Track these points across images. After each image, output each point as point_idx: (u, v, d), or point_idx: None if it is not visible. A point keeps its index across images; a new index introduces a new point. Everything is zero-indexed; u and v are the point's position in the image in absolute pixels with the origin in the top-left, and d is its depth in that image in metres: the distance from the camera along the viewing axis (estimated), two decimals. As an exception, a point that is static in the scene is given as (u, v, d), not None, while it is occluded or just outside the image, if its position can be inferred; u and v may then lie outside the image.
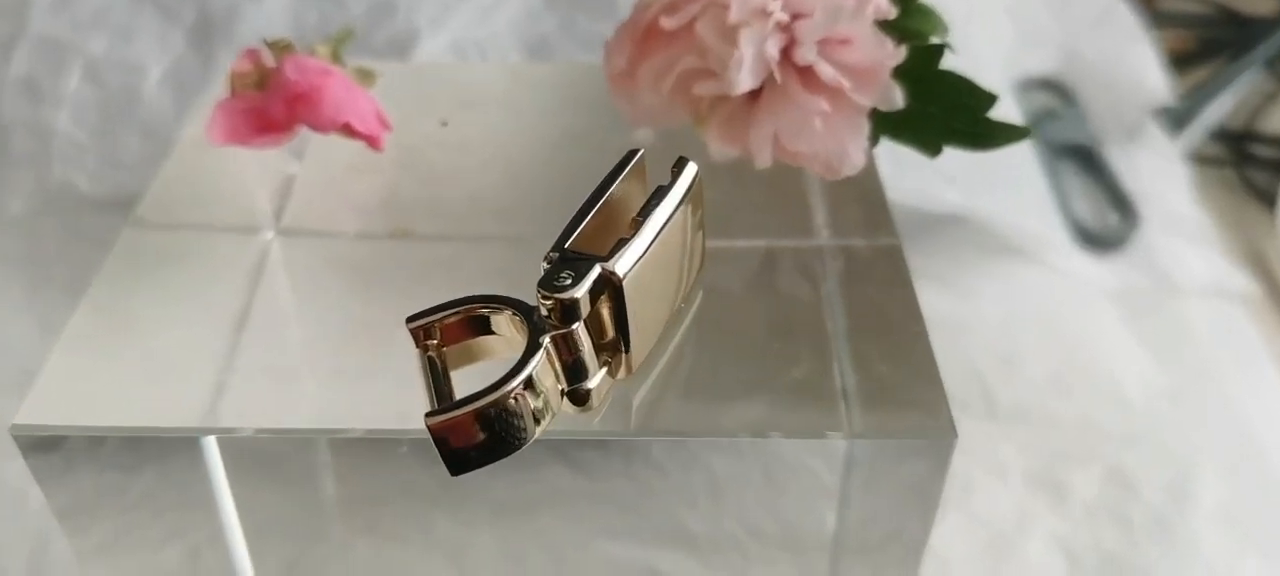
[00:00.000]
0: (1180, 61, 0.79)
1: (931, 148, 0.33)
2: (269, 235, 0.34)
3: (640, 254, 0.25)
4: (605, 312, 0.25)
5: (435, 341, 0.26)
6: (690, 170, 0.27)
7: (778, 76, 0.32)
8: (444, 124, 0.39)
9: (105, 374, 0.29)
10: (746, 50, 0.31)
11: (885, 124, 0.33)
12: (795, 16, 0.32)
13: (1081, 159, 0.61)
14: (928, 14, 0.35)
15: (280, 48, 0.34)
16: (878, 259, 0.34)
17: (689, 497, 0.30)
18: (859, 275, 0.33)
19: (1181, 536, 0.44)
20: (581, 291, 0.24)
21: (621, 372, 0.26)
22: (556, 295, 0.23)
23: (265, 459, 0.30)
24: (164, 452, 0.29)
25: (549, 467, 0.30)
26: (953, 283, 0.52)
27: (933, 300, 0.52)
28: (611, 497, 0.30)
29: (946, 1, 0.60)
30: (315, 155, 0.37)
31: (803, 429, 0.27)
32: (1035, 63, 0.64)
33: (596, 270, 0.24)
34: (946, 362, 0.50)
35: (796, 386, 0.29)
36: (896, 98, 0.32)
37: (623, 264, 0.24)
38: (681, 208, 0.27)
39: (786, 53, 0.32)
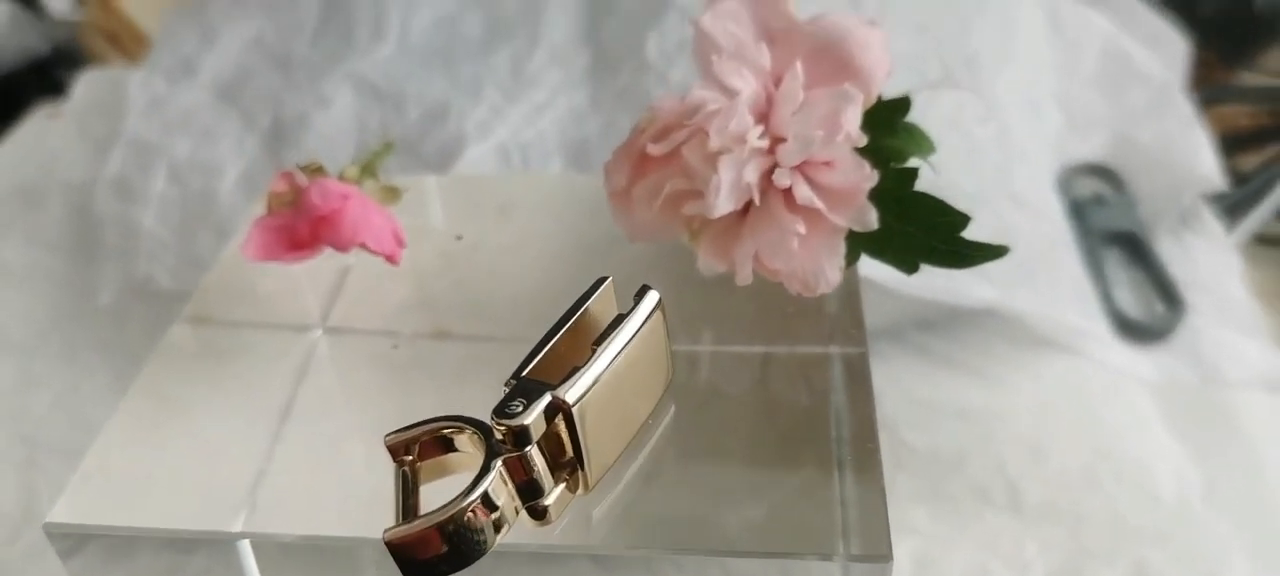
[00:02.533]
0: (1253, 138, 0.77)
1: (909, 266, 0.35)
2: (317, 333, 0.38)
3: (592, 382, 0.27)
4: (563, 434, 0.27)
5: (411, 457, 0.28)
6: (651, 298, 0.29)
7: (756, 199, 0.34)
8: (459, 238, 0.41)
9: (144, 470, 0.32)
10: (725, 175, 0.33)
11: (864, 242, 0.35)
12: (776, 141, 0.34)
13: (1127, 246, 0.60)
14: (914, 134, 0.36)
15: (311, 170, 0.37)
16: (849, 366, 0.35)
17: None
18: (833, 383, 0.35)
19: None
20: (531, 418, 0.26)
21: (580, 490, 0.28)
22: (507, 422, 0.26)
23: (301, 558, 0.32)
24: (201, 554, 0.32)
25: (571, 566, 0.32)
26: (983, 373, 0.52)
27: (963, 391, 0.53)
28: None
29: (994, 90, 0.61)
30: (363, 258, 0.41)
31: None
32: (1085, 149, 0.64)
33: (547, 398, 0.26)
34: (973, 454, 0.51)
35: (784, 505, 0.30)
36: (871, 219, 0.33)
37: (573, 392, 0.27)
38: (642, 332, 0.29)
39: (769, 175, 0.34)
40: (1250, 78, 0.83)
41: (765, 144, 0.33)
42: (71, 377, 0.55)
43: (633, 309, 0.29)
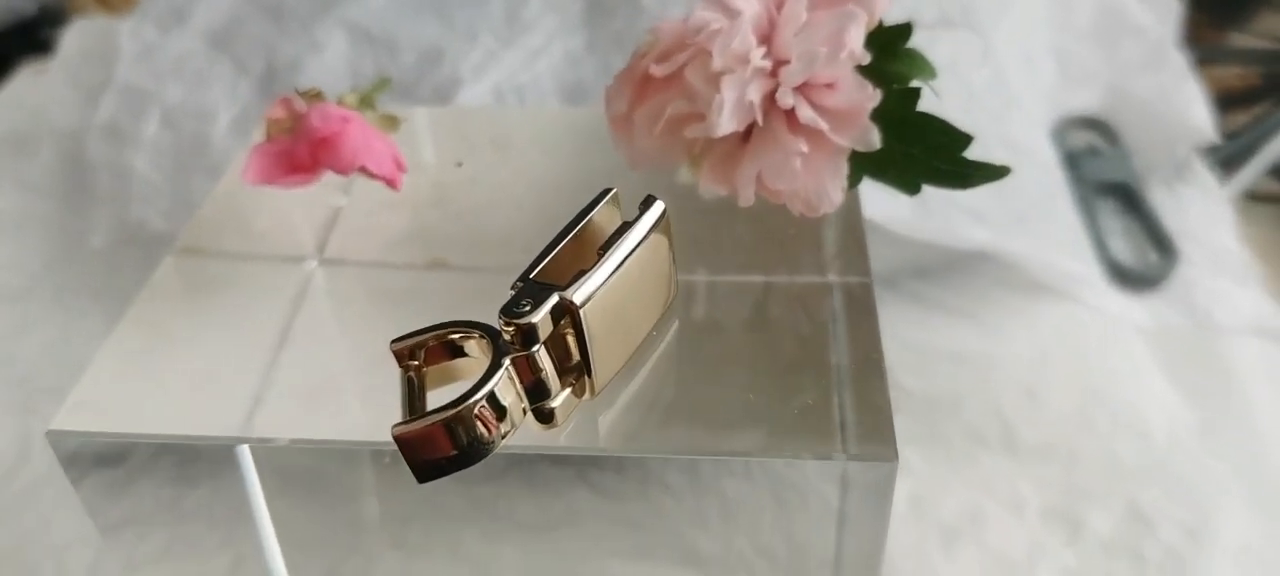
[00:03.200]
0: (1244, 98, 0.78)
1: (911, 187, 0.35)
2: (312, 264, 0.38)
3: (599, 283, 0.27)
4: (570, 338, 0.27)
5: (417, 362, 0.28)
6: (657, 207, 0.29)
7: (760, 120, 0.34)
8: (459, 165, 0.41)
9: (144, 386, 0.32)
10: (728, 94, 0.33)
11: (867, 164, 0.35)
12: (779, 63, 0.34)
13: (1121, 197, 0.61)
14: (915, 58, 0.36)
15: (310, 96, 0.37)
16: (851, 296, 0.35)
17: (700, 519, 0.32)
18: (836, 311, 0.35)
19: (1197, 573, 0.44)
20: (539, 316, 0.26)
21: (586, 395, 0.28)
22: (516, 321, 0.26)
23: (301, 474, 0.32)
24: (203, 468, 0.32)
25: (570, 489, 0.32)
26: (977, 318, 0.53)
27: (957, 334, 0.53)
28: (627, 519, 0.32)
29: (991, 42, 0.61)
30: (359, 192, 0.41)
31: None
32: (1079, 101, 0.64)
33: (554, 298, 0.26)
34: (969, 398, 0.51)
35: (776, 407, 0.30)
36: (874, 139, 0.33)
37: (581, 292, 0.27)
38: (647, 242, 0.29)
39: (772, 97, 0.34)
40: (1241, 39, 0.84)
41: (768, 65, 0.33)
42: (64, 321, 0.55)
43: (638, 217, 0.29)
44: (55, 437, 0.30)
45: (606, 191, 0.30)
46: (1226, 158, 0.66)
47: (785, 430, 0.29)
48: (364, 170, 0.36)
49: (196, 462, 0.32)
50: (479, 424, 0.25)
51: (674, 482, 0.32)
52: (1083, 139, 0.63)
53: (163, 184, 0.55)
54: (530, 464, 0.31)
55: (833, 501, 0.31)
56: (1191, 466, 0.48)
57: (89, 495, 0.32)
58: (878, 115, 0.33)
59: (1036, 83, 0.62)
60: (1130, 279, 0.57)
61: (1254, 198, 0.70)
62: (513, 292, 0.27)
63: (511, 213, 0.40)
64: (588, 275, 0.27)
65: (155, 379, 0.32)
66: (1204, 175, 0.63)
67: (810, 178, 0.34)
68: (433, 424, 0.25)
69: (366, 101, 0.39)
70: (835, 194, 0.34)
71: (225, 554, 0.35)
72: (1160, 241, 0.59)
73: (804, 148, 0.33)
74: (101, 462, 0.31)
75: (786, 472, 0.31)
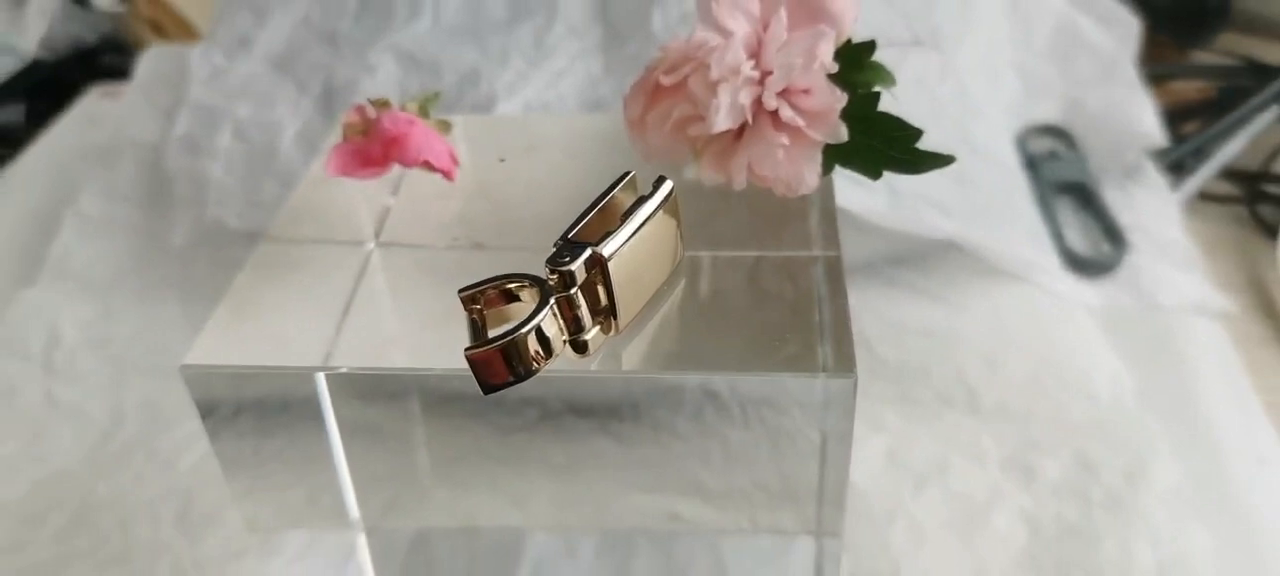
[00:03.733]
0: (1201, 110, 0.85)
1: (873, 172, 0.42)
2: (371, 246, 0.45)
3: (623, 241, 0.35)
4: (599, 287, 0.35)
5: (479, 306, 0.36)
6: (667, 186, 0.37)
7: (749, 120, 0.41)
8: (502, 160, 0.49)
9: (246, 338, 0.40)
10: (723, 99, 0.41)
11: (837, 154, 0.42)
12: (765, 73, 0.42)
13: (1078, 195, 0.68)
14: (879, 69, 0.44)
15: (380, 104, 0.45)
16: (829, 267, 0.43)
17: (705, 459, 0.40)
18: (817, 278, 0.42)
19: (1134, 510, 0.52)
20: (576, 265, 0.34)
21: (612, 332, 0.36)
22: (558, 268, 0.34)
23: (370, 419, 0.40)
24: (290, 412, 0.39)
25: (593, 437, 0.40)
26: (944, 299, 0.60)
27: (926, 312, 0.60)
28: (642, 460, 0.40)
29: (956, 58, 0.69)
30: (408, 188, 0.49)
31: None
32: (1040, 113, 0.72)
33: (588, 251, 0.34)
34: (936, 365, 0.59)
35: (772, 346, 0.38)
36: (842, 133, 0.41)
37: (608, 247, 0.35)
38: (659, 213, 0.37)
39: (759, 101, 0.42)
40: (1204, 57, 0.91)
41: (756, 75, 0.41)
42: (148, 310, 0.62)
43: (652, 192, 0.37)
44: (187, 371, 0.38)
45: (626, 174, 0.38)
46: (1177, 161, 0.73)
47: (778, 365, 0.37)
48: (426, 164, 0.44)
49: (284, 405, 0.39)
50: (530, 348, 0.33)
51: (682, 429, 0.39)
52: (1044, 144, 0.71)
53: (236, 188, 0.63)
54: (557, 416, 0.39)
55: (814, 438, 0.39)
56: (1131, 422, 0.55)
57: (215, 427, 0.40)
58: (846, 114, 0.41)
59: (1000, 97, 0.70)
60: (1084, 266, 0.64)
61: (1205, 197, 0.78)
62: (555, 248, 0.35)
63: (540, 203, 0.47)
64: (613, 234, 0.35)
65: (254, 335, 0.40)
66: (1154, 176, 0.71)
67: (791, 166, 0.41)
68: (495, 347, 0.33)
69: (423, 110, 0.47)
70: (811, 178, 0.42)
71: (303, 485, 0.43)
72: (1112, 234, 0.66)
73: (785, 141, 0.41)
74: (216, 405, 0.39)
75: (778, 420, 0.39)
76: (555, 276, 0.34)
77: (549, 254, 0.35)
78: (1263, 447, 0.56)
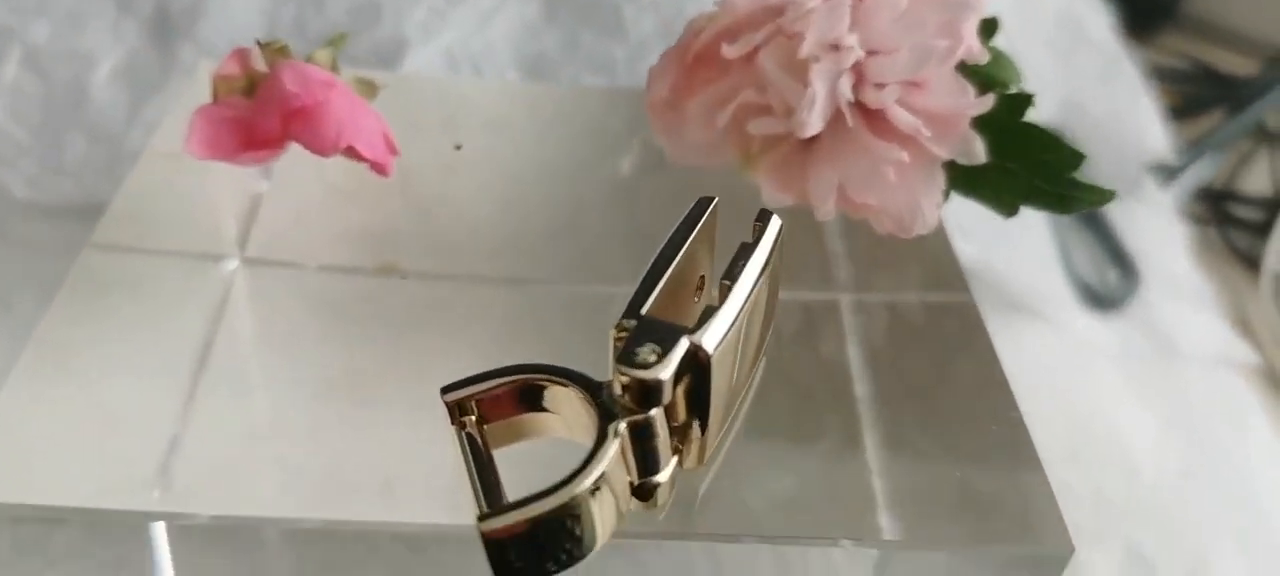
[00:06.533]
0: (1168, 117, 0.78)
1: (1008, 206, 0.30)
2: (233, 264, 0.30)
3: (729, 325, 0.21)
4: (680, 391, 0.21)
5: (473, 416, 0.21)
6: (775, 225, 0.23)
7: (849, 119, 0.28)
8: (458, 147, 0.34)
9: (45, 434, 0.25)
10: (819, 87, 0.27)
11: (959, 179, 0.30)
12: (871, 53, 0.28)
13: (1082, 215, 0.59)
14: (1004, 61, 0.32)
15: (274, 51, 0.30)
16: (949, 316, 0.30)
17: None
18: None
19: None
20: (668, 371, 0.20)
21: (691, 462, 0.22)
22: (638, 374, 0.19)
23: (217, 541, 0.25)
24: (106, 535, 0.24)
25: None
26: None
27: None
28: None
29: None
30: (285, 173, 0.33)
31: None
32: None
33: (684, 343, 0.20)
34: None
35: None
36: (978, 150, 0.28)
37: (711, 336, 0.21)
38: (767, 273, 0.23)
39: (857, 95, 0.28)
40: (1150, 56, 0.84)
41: (862, 53, 0.28)
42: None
43: (756, 239, 0.23)
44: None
45: (707, 201, 0.24)
46: (1171, 173, 0.65)
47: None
48: (351, 151, 0.29)
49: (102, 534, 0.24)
50: (591, 517, 0.19)
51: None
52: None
53: (26, 142, 0.45)
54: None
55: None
56: (1182, 504, 0.46)
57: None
58: (975, 124, 0.29)
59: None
60: (1096, 299, 0.55)
61: (1185, 219, 0.70)
62: (620, 333, 0.20)
63: (474, 207, 0.33)
64: (716, 314, 0.21)
65: (59, 427, 0.25)
66: (1155, 193, 0.62)
67: (903, 191, 0.28)
68: (533, 516, 0.18)
69: (334, 62, 0.32)
70: (931, 212, 0.29)
71: None
72: (1120, 260, 0.57)
73: (903, 155, 0.28)
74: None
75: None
76: (628, 382, 0.20)
77: (617, 336, 0.20)
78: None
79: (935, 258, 0.33)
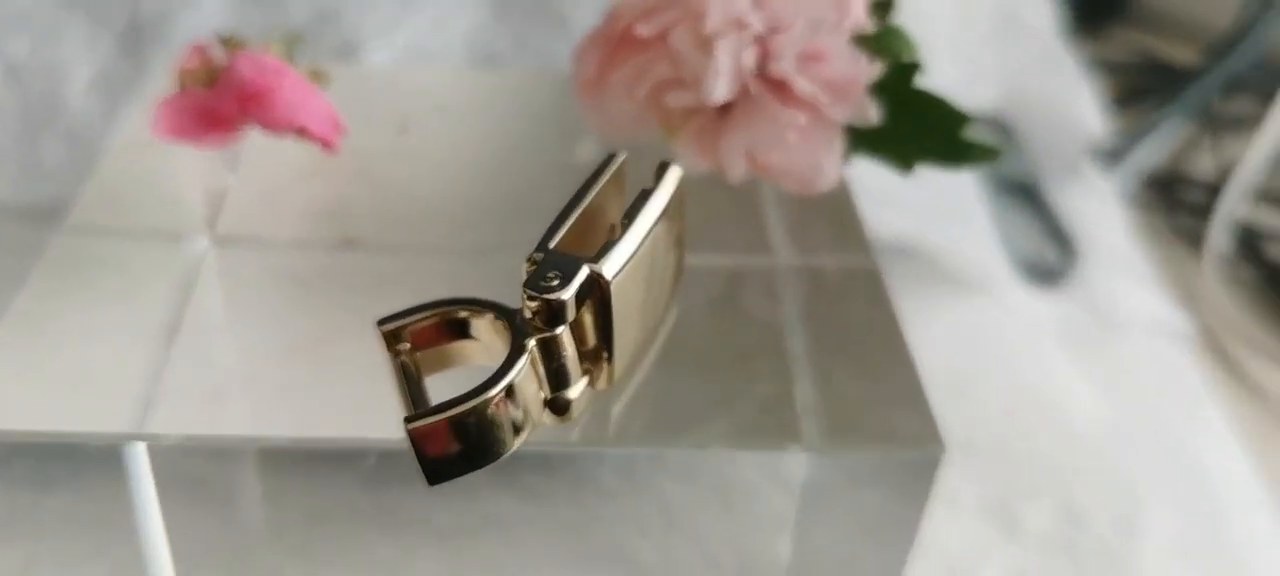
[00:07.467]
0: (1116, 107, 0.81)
1: (905, 165, 0.33)
2: (203, 243, 0.33)
3: (628, 255, 0.24)
4: (588, 319, 0.24)
5: (407, 346, 0.24)
6: (674, 173, 0.26)
7: (752, 89, 0.31)
8: (405, 131, 0.37)
9: (24, 381, 0.27)
10: (723, 60, 0.30)
11: (859, 140, 0.33)
12: (772, 30, 0.31)
13: (1022, 194, 0.61)
14: (898, 34, 0.35)
15: (232, 44, 0.32)
16: (853, 281, 0.33)
17: (639, 524, 0.29)
18: (831, 296, 0.32)
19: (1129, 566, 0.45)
20: (569, 292, 0.22)
21: (602, 383, 0.25)
22: (543, 296, 0.22)
23: (192, 476, 0.28)
24: (85, 466, 0.27)
25: (493, 493, 0.29)
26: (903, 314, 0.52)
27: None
28: (558, 523, 0.29)
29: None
30: (252, 160, 0.36)
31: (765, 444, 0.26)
32: (977, 100, 0.64)
33: (585, 271, 0.23)
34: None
35: (760, 405, 0.28)
36: (872, 113, 0.31)
37: (610, 265, 0.23)
38: (665, 214, 0.26)
39: (760, 66, 0.31)
40: (1100, 49, 0.87)
41: (762, 29, 0.31)
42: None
43: (655, 185, 0.26)
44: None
45: (612, 157, 0.27)
46: (1112, 156, 0.68)
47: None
48: (302, 130, 0.31)
49: (79, 464, 0.27)
50: (504, 417, 0.22)
51: (609, 485, 0.29)
52: (982, 136, 0.63)
53: (7, 148, 0.47)
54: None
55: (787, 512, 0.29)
56: (1115, 463, 0.49)
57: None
58: (874, 89, 0.31)
59: (938, 84, 0.62)
60: (1035, 274, 0.57)
61: (1131, 204, 0.73)
62: (532, 264, 0.23)
63: (428, 185, 0.36)
64: (614, 247, 0.24)
65: (38, 376, 0.27)
66: (1094, 175, 0.65)
67: (806, 153, 0.31)
68: (451, 416, 0.21)
69: (289, 53, 0.35)
70: (831, 171, 0.32)
71: (100, 563, 0.30)
72: (1059, 238, 0.60)
73: (802, 120, 0.31)
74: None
75: (736, 472, 0.29)
76: (537, 306, 0.22)
77: (528, 269, 0.23)
78: (1245, 486, 0.50)
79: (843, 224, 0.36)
